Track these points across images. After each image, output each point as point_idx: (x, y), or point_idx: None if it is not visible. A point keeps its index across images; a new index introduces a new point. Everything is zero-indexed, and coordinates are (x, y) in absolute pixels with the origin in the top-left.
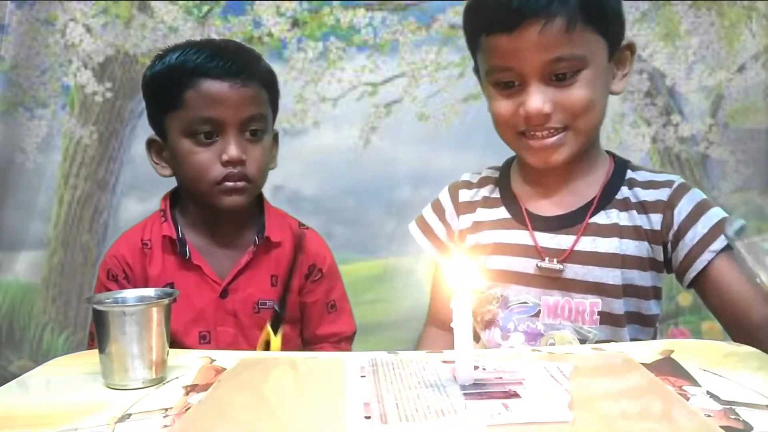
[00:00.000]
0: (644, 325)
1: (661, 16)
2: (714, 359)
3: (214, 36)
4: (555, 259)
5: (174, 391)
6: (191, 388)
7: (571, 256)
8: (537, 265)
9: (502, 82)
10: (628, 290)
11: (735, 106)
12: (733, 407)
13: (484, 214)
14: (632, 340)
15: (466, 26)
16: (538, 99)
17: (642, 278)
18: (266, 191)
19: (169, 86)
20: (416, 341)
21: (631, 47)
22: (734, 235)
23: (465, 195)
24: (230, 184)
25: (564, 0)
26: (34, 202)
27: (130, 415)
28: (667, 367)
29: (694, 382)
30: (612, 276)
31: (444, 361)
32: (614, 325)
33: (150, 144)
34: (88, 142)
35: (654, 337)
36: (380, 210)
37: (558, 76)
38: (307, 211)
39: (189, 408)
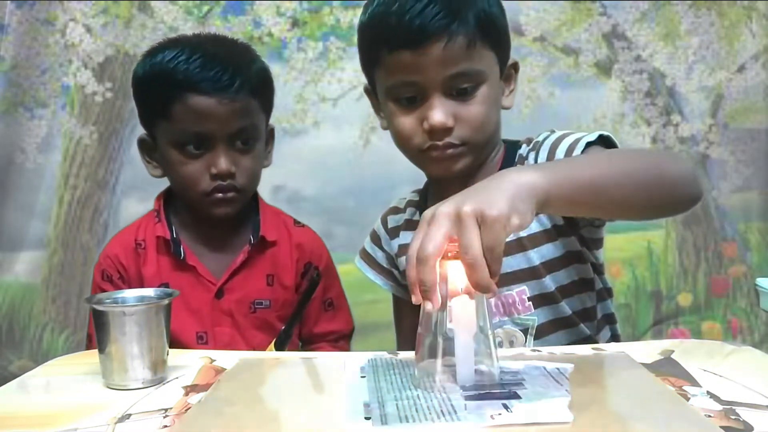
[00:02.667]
0: (582, 291)
1: (661, 16)
2: (714, 359)
3: None
4: None
5: (174, 392)
6: (191, 389)
7: None
8: None
9: (403, 97)
10: (549, 266)
11: (735, 106)
12: (734, 407)
13: (407, 236)
14: (575, 312)
15: (364, 43)
16: (440, 112)
17: (556, 249)
18: (266, 191)
19: (156, 95)
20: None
21: (515, 66)
22: None
23: (392, 221)
24: (220, 195)
25: (464, 19)
26: (34, 202)
27: (130, 415)
28: (667, 367)
29: (695, 383)
30: (526, 260)
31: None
32: (551, 303)
33: (141, 143)
34: (88, 142)
35: (601, 300)
36: (380, 210)
37: (459, 91)
38: (307, 211)
39: (189, 408)
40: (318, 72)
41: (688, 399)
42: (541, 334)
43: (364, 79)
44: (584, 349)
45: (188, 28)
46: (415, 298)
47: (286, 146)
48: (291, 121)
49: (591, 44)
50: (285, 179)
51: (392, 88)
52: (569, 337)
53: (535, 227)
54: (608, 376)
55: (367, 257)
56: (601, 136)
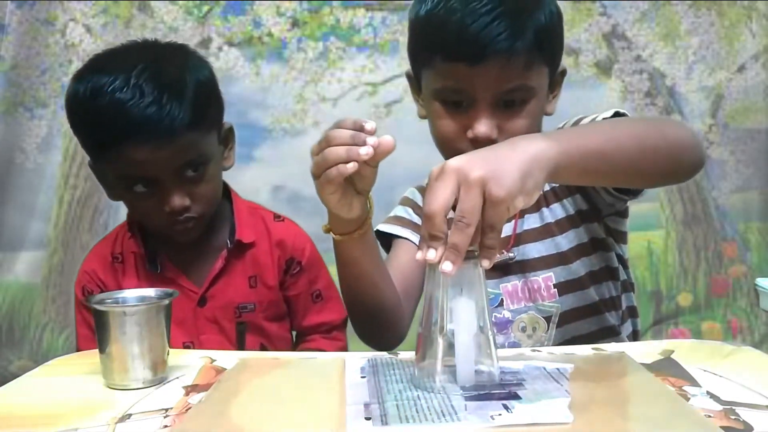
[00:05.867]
0: (608, 279)
1: (661, 16)
2: (714, 359)
3: (214, 36)
4: (503, 251)
5: (174, 392)
6: (191, 389)
7: (513, 241)
8: None
9: (450, 101)
10: (578, 251)
11: (735, 106)
12: (734, 407)
13: None
14: (601, 299)
15: (417, 41)
16: (487, 125)
17: (581, 235)
18: (266, 191)
19: (90, 136)
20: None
21: (563, 72)
22: None
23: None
24: (179, 227)
25: (525, 39)
26: (34, 202)
27: (130, 415)
28: (667, 367)
29: (694, 383)
30: (554, 245)
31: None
32: (578, 290)
33: (92, 168)
34: None
35: (625, 291)
36: (380, 210)
37: (507, 103)
38: (307, 211)
39: (189, 408)
40: (318, 72)
41: (688, 399)
42: (564, 322)
43: (363, 79)
44: (584, 349)
45: (188, 28)
46: (420, 254)
47: (286, 146)
48: (291, 121)
49: (591, 44)
50: (285, 179)
51: (440, 92)
52: (592, 326)
53: (560, 213)
54: (608, 376)
55: (397, 220)
56: (617, 113)
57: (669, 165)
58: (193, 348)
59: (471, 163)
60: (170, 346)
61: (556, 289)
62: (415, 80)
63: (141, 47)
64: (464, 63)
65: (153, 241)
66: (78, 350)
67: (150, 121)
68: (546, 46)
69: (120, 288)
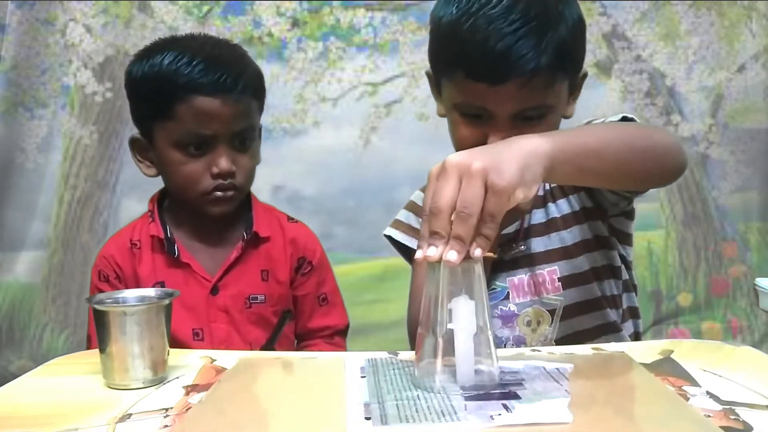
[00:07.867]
0: (610, 276)
1: (661, 16)
2: (714, 359)
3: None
4: (513, 244)
5: (174, 391)
6: (192, 388)
7: (522, 234)
8: (503, 258)
9: (469, 113)
10: (583, 246)
11: (735, 106)
12: (733, 407)
13: None
14: (603, 296)
15: (440, 52)
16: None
17: (585, 232)
18: (266, 191)
19: (157, 96)
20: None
21: (584, 76)
22: None
23: None
24: (220, 194)
25: (547, 58)
26: (34, 202)
27: (130, 415)
28: (667, 367)
29: (694, 383)
30: (559, 239)
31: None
32: (581, 284)
33: (133, 143)
34: (88, 142)
35: (626, 291)
36: (380, 210)
37: (526, 117)
38: (307, 211)
39: (189, 408)
40: (318, 72)
41: (687, 399)
42: (567, 316)
43: (363, 79)
44: (584, 349)
45: (188, 28)
46: (420, 252)
47: (286, 146)
48: (291, 121)
49: (591, 44)
50: (285, 179)
51: (460, 105)
52: (594, 321)
53: (565, 209)
54: (608, 376)
55: (402, 227)
56: (624, 118)
57: (655, 167)
58: (202, 335)
59: (472, 157)
60: (179, 333)
61: (560, 283)
62: (434, 82)
63: (204, 36)
64: (486, 83)
65: (173, 227)
66: (89, 335)
67: (221, 80)
68: (567, 61)
69: (135, 272)
